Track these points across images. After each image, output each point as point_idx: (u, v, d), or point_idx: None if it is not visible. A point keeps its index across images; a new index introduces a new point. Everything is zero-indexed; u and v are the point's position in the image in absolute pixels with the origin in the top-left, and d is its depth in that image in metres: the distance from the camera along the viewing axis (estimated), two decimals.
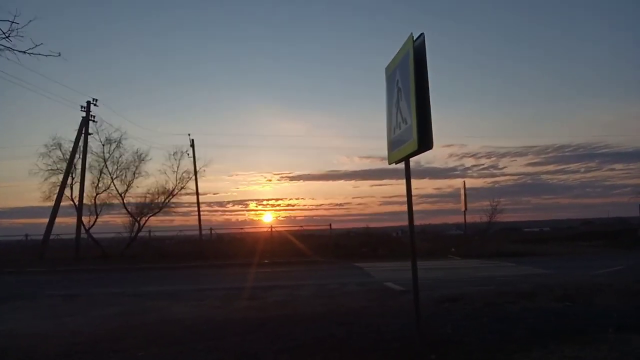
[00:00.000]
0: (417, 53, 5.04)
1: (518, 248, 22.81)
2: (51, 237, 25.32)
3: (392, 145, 5.87)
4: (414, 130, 4.95)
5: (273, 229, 26.48)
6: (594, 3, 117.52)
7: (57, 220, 25.14)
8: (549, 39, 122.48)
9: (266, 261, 20.28)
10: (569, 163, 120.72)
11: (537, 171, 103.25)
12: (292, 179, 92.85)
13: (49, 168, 24.76)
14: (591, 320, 6.29)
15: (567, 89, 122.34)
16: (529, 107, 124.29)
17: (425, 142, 4.92)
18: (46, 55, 5.12)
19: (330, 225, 25.56)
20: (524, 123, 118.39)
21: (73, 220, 25.39)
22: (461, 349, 5.08)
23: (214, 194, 70.80)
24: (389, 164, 6.02)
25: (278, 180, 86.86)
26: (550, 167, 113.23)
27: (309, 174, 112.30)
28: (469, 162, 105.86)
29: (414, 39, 5.09)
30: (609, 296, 8.03)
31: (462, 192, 23.67)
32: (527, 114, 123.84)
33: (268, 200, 72.50)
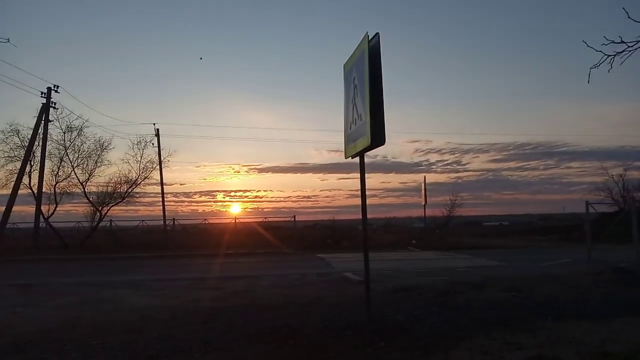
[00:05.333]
0: (372, 52, 5.22)
1: (476, 241, 23.52)
2: (8, 225, 24.53)
3: (348, 140, 6.05)
4: (367, 126, 5.13)
5: (237, 221, 26.50)
6: (554, 5, 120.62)
7: (15, 208, 24.32)
8: (512, 39, 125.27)
9: (230, 252, 20.27)
10: (529, 160, 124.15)
11: (498, 167, 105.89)
12: (260, 171, 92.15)
13: (6, 155, 23.99)
14: (534, 309, 6.66)
15: (529, 89, 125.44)
16: (493, 105, 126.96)
17: (377, 138, 5.11)
18: None
19: (295, 217, 25.77)
20: (487, 121, 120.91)
21: (31, 208, 24.64)
22: (409, 336, 5.33)
23: (181, 184, 69.79)
24: (345, 158, 6.19)
25: (246, 172, 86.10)
26: (511, 164, 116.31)
27: (277, 167, 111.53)
28: (433, 157, 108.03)
29: (369, 38, 5.26)
30: (553, 286, 8.48)
31: (423, 186, 24.37)
32: (490, 112, 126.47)
33: (236, 191, 71.85)
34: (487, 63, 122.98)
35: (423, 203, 24.70)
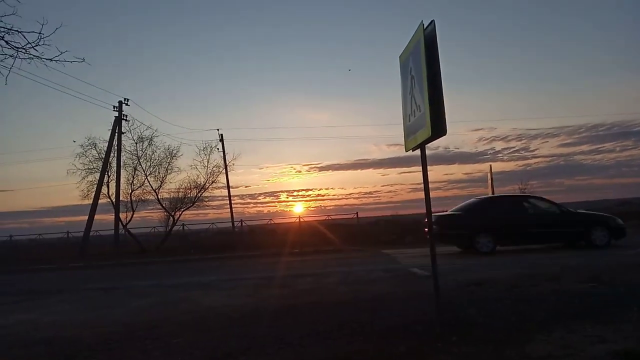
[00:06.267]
0: (428, 41, 5.11)
1: None
2: (91, 233, 26.34)
3: (408, 132, 5.97)
4: (427, 117, 5.03)
5: (301, 219, 26.88)
6: None
7: (96, 217, 26.15)
8: (578, 14, 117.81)
9: (295, 251, 20.58)
10: (603, 142, 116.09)
11: (570, 152, 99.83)
12: (321, 169, 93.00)
13: (86, 167, 25.76)
14: (617, 300, 6.28)
15: (597, 66, 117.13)
16: (560, 87, 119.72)
17: (438, 128, 5.00)
18: (71, 62, 5.36)
19: (357, 213, 25.80)
20: (555, 103, 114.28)
21: (111, 216, 26.44)
22: (482, 330, 5.19)
23: (246, 186, 71.90)
24: (406, 151, 6.12)
25: (307, 171, 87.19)
26: (584, 147, 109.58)
27: (337, 164, 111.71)
28: (499, 145, 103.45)
29: (425, 27, 5.16)
30: (638, 276, 7.94)
31: (489, 176, 23.56)
32: (557, 93, 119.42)
33: (298, 191, 73.03)
34: (550, 40, 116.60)
35: (490, 193, 23.88)
